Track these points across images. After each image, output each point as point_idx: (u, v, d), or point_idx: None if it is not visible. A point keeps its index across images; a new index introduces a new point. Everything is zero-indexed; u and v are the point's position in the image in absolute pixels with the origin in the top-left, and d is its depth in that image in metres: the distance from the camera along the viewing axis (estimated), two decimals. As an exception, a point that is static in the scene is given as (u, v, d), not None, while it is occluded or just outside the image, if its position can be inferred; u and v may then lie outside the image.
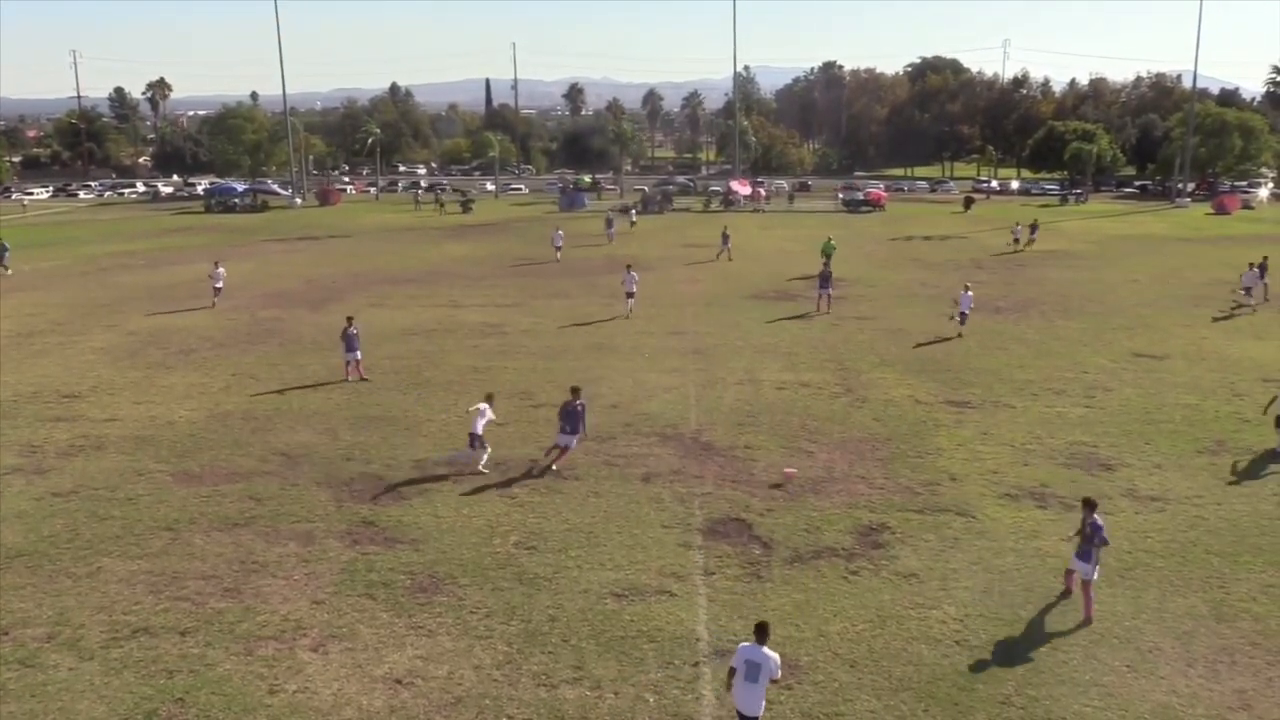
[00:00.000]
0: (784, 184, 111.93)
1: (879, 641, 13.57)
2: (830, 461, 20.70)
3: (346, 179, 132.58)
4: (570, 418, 20.09)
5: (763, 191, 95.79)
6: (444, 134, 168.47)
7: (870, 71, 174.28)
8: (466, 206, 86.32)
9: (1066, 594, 14.76)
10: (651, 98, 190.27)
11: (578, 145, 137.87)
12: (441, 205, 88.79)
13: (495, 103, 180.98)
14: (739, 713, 10.84)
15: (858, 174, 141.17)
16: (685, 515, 17.88)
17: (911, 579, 15.43)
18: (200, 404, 25.17)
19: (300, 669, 12.90)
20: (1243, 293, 39.17)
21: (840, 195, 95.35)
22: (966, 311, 32.63)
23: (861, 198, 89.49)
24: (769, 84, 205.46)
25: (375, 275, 47.71)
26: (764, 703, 10.87)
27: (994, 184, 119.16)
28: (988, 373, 27.92)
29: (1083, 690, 12.47)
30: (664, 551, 16.37)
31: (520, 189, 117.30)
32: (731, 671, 10.86)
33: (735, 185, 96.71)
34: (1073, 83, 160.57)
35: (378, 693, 12.40)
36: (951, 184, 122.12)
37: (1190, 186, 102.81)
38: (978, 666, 12.98)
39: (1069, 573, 14.81)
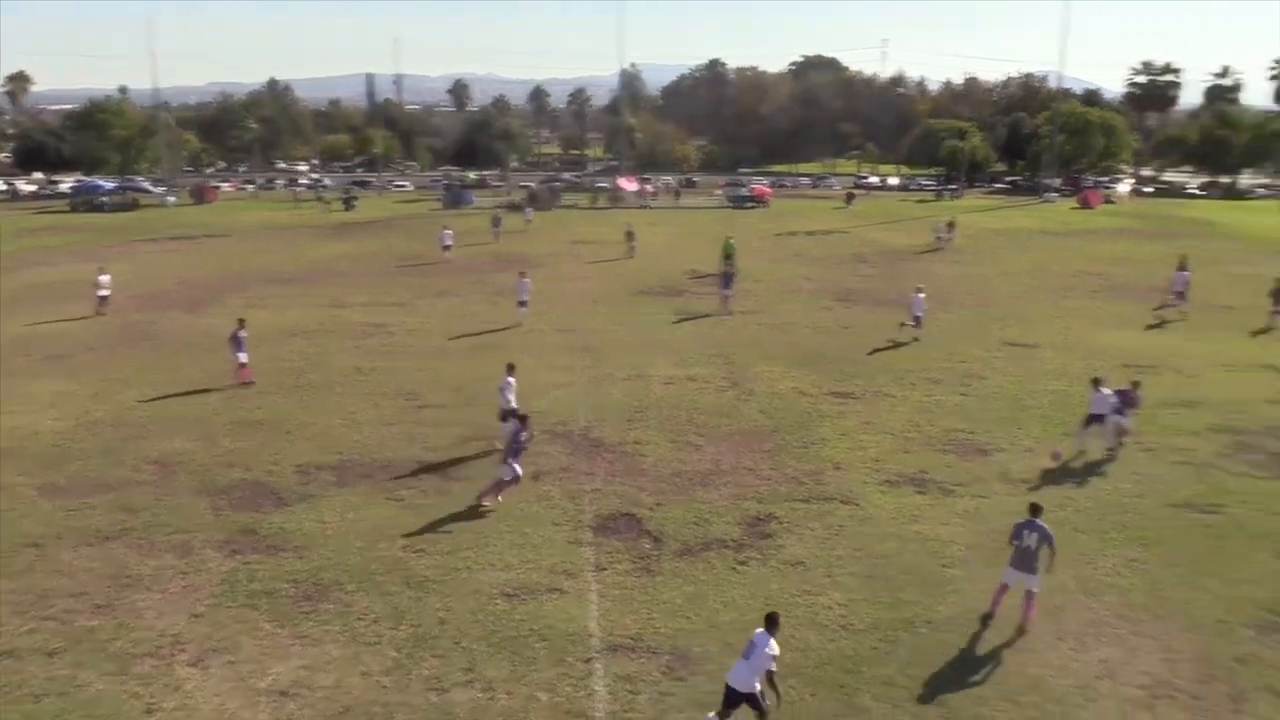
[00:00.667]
0: (670, 180, 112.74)
1: (767, 630, 13.82)
2: (718, 454, 20.97)
3: (224, 177, 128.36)
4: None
5: (649, 188, 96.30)
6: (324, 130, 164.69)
7: (754, 70, 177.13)
8: (349, 204, 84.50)
9: (990, 616, 14.11)
10: (538, 94, 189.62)
11: (463, 142, 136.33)
12: (327, 203, 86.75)
13: (378, 98, 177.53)
14: (727, 685, 11.37)
15: (743, 170, 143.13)
16: (575, 512, 17.89)
17: (798, 567, 15.77)
18: (68, 412, 24.05)
19: (179, 685, 12.47)
20: (1174, 296, 37.24)
21: (719, 192, 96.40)
22: (920, 314, 31.81)
23: (747, 194, 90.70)
24: (655, 81, 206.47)
25: (254, 275, 46.31)
26: (757, 683, 11.23)
27: (874, 180, 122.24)
28: (869, 363, 28.68)
29: (962, 667, 12.95)
30: (554, 549, 16.36)
31: (405, 186, 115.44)
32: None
33: (622, 182, 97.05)
34: (947, 82, 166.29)
35: (262, 706, 12.08)
36: (834, 180, 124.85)
37: (1057, 182, 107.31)
38: (863, 650, 13.35)
39: (999, 591, 14.16)
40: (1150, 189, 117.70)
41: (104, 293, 36.91)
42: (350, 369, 28.07)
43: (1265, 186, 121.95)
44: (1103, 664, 13.06)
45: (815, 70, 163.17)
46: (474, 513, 17.81)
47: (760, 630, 11.44)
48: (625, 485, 19.20)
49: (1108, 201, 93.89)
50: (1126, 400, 21.32)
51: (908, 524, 17.46)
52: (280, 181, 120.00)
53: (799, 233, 65.46)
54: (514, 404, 20.88)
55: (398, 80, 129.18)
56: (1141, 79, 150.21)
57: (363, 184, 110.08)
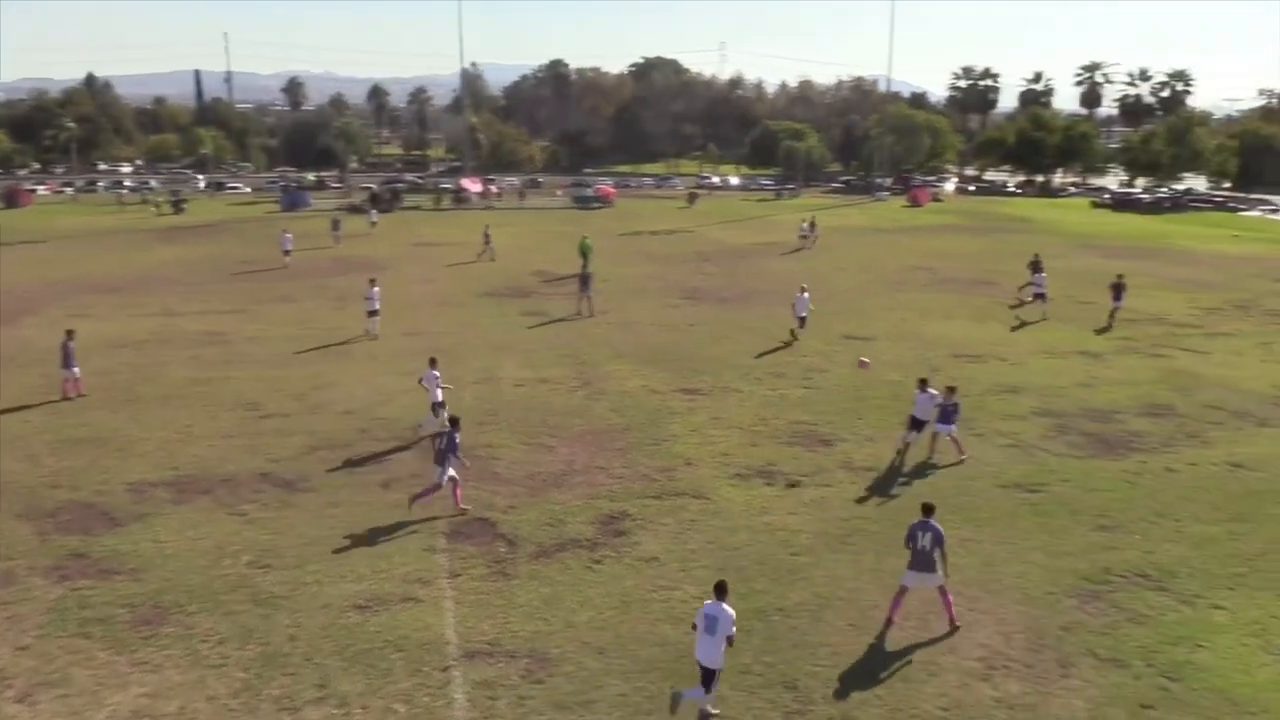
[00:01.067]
0: (515, 181, 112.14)
1: (625, 626, 13.97)
2: (571, 454, 21.03)
3: (39, 179, 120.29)
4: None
5: (494, 189, 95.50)
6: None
7: (596, 70, 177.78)
8: (179, 206, 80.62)
9: (889, 624, 14.14)
10: (376, 93, 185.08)
11: (300, 141, 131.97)
12: (155, 206, 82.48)
13: (207, 96, 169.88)
14: (700, 665, 11.71)
15: (587, 171, 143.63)
16: (428, 519, 17.63)
17: (653, 563, 15.98)
18: None
19: (4, 722, 11.70)
20: (1035, 299, 36.79)
21: (560, 193, 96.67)
22: (804, 314, 32.01)
23: (591, 194, 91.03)
24: (496, 81, 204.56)
25: (76, 283, 43.62)
26: (723, 655, 11.65)
27: (716, 180, 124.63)
28: (716, 360, 29.26)
29: (813, 652, 13.39)
30: (407, 558, 16.08)
31: (239, 187, 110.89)
32: (694, 628, 11.88)
33: (466, 183, 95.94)
34: (783, 85, 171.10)
35: (98, 737, 11.45)
36: (677, 180, 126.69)
37: (888, 182, 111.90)
38: (717, 641, 13.62)
39: (899, 595, 14.21)
40: (973, 188, 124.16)
41: None
42: (186, 380, 26.84)
43: (1075, 185, 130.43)
44: (944, 640, 13.74)
45: (656, 71, 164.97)
46: (322, 525, 17.32)
47: (710, 602, 11.80)
48: (478, 489, 19.02)
49: (935, 200, 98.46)
50: (948, 410, 20.74)
51: (757, 516, 17.92)
52: (102, 184, 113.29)
53: (644, 232, 66.16)
54: (440, 398, 21.93)
55: (228, 78, 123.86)
56: (963, 83, 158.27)
57: (218, 185, 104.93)
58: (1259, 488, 19.42)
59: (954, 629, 13.99)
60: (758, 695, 12.40)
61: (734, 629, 11.67)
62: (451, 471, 17.80)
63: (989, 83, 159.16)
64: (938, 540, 13.92)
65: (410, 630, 13.80)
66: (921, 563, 14.00)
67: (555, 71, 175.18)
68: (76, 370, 25.15)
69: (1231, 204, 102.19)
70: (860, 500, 18.66)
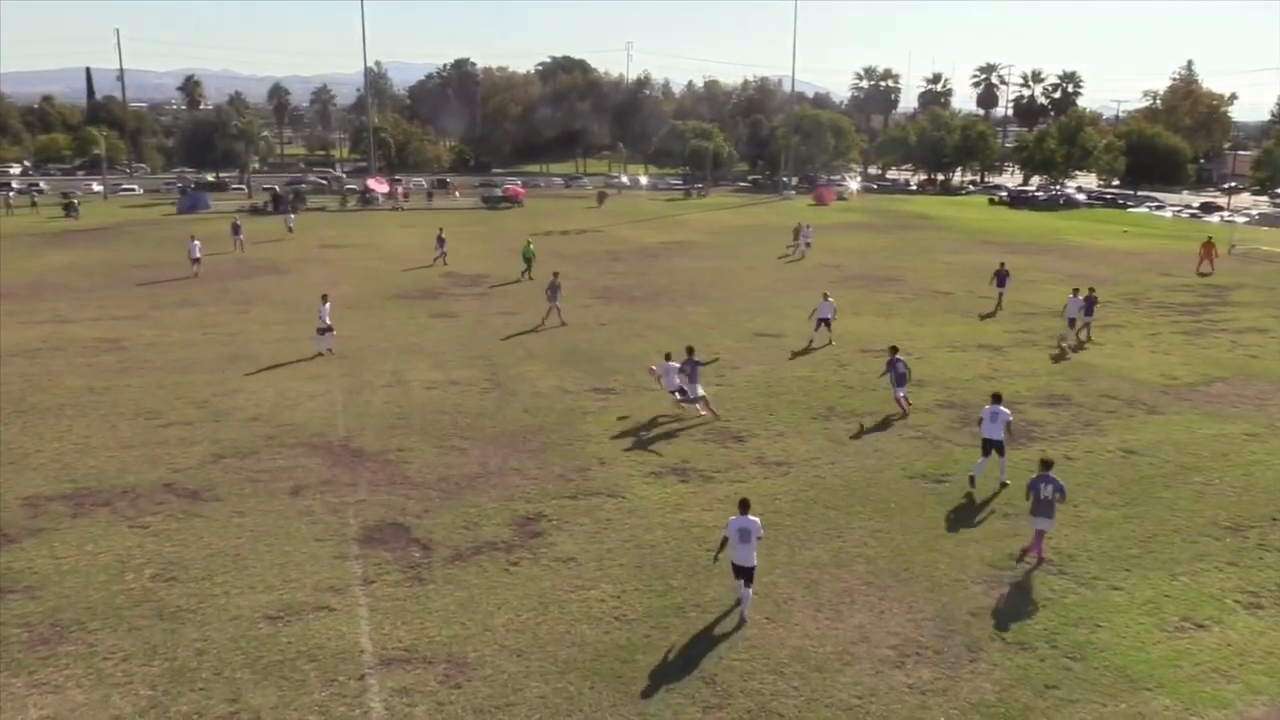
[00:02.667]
0: (422, 181, 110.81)
1: (543, 628, 13.93)
2: (484, 457, 20.88)
3: None
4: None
5: (401, 190, 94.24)
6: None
7: (503, 70, 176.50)
8: (70, 209, 77.66)
9: (1041, 561, 16.09)
10: (278, 92, 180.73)
11: (198, 142, 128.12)
12: (36, 207, 79.34)
13: (99, 95, 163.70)
14: (736, 565, 14.19)
15: (495, 171, 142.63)
16: (339, 526, 17.32)
17: (570, 563, 15.96)
18: None
19: (-109, 751, 11.15)
20: (1075, 329, 32.69)
21: (459, 194, 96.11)
22: (828, 318, 31.61)
23: (500, 194, 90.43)
24: (401, 80, 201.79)
25: (-42, 291, 41.70)
26: (755, 556, 14.20)
27: (625, 180, 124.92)
28: (628, 359, 29.33)
29: (730, 645, 13.54)
30: (319, 566, 15.77)
31: (134, 189, 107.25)
32: (723, 541, 14.41)
33: (373, 183, 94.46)
34: (690, 84, 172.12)
35: (-6, 763, 10.99)
36: (585, 180, 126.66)
37: (794, 181, 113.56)
38: (637, 639, 13.69)
39: (1038, 539, 16.11)
40: (875, 186, 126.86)
41: None
42: (81, 389, 25.87)
43: (974, 183, 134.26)
44: (857, 629, 14.02)
45: (564, 71, 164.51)
46: (230, 535, 16.88)
47: (735, 517, 14.24)
48: (390, 494, 18.77)
49: (840, 198, 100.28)
50: (692, 371, 23.78)
51: (673, 513, 18.04)
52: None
53: (554, 232, 65.99)
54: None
55: (121, 75, 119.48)
56: (865, 84, 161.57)
57: (205, 186, 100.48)
58: (1150, 472, 20.27)
59: (1041, 561, 16.14)
60: (676, 692, 12.48)
61: (762, 531, 14.40)
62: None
63: (890, 83, 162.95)
64: (1059, 489, 15.85)
65: (324, 639, 13.54)
66: (1043, 510, 15.92)
67: (461, 70, 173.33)
68: None
69: (1121, 201, 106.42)
70: (773, 495, 18.91)
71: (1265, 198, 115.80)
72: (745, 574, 14.18)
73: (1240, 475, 20.24)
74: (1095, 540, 17.05)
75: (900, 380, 23.71)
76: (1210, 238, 51.85)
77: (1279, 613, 14.65)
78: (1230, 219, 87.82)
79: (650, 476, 19.84)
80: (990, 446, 19.25)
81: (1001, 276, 38.47)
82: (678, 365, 23.70)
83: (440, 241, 49.79)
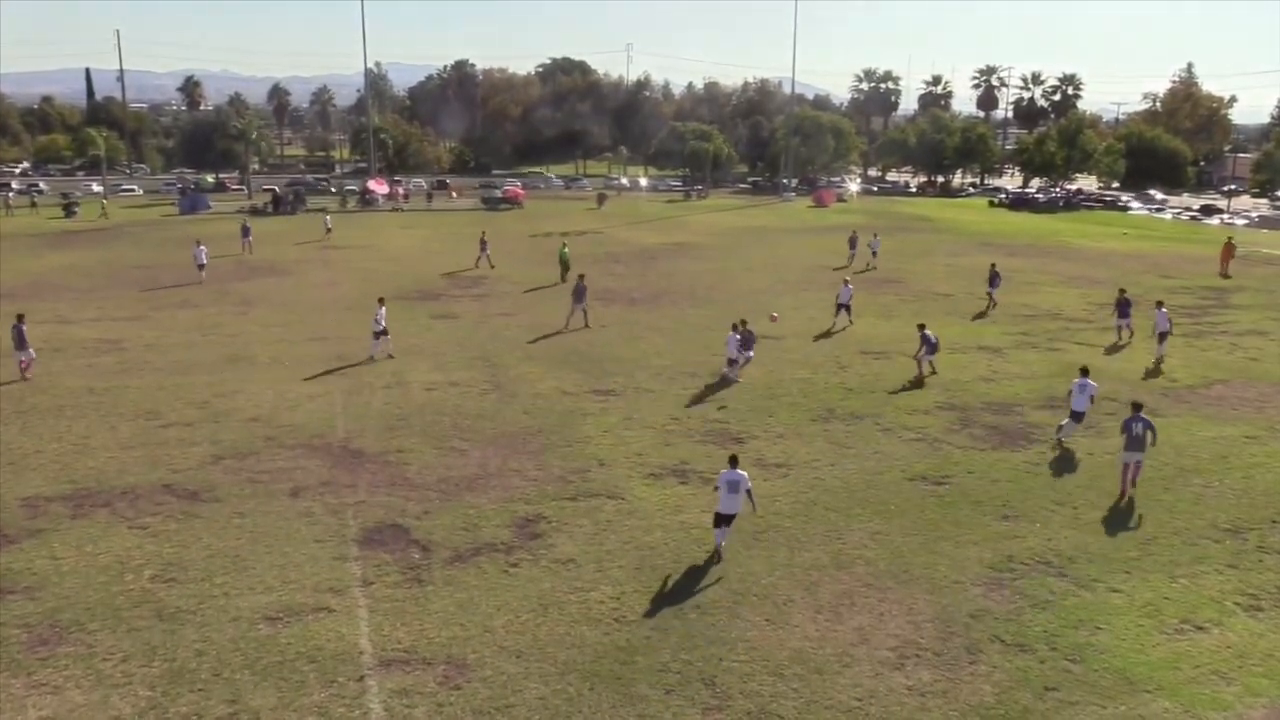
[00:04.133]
0: (422, 182, 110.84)
1: (543, 629, 13.93)
2: (484, 458, 20.88)
3: None
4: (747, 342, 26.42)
5: (402, 191, 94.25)
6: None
7: (503, 71, 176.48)
8: (70, 210, 77.64)
9: (1123, 496, 18.82)
10: (278, 93, 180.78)
11: (198, 142, 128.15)
12: (35, 207, 79.31)
13: (98, 95, 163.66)
14: (720, 514, 15.90)
15: (495, 172, 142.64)
16: (339, 527, 17.32)
17: (570, 564, 15.96)
18: None
19: (-110, 752, 11.14)
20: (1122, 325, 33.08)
21: (455, 195, 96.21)
22: (847, 302, 34.76)
23: (500, 196, 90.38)
24: (401, 81, 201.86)
25: (-42, 291, 41.68)
26: (741, 504, 15.85)
27: (624, 181, 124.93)
28: (628, 361, 29.35)
29: (730, 648, 13.53)
30: (319, 567, 15.77)
31: (134, 190, 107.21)
32: (716, 488, 16.14)
33: (373, 184, 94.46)
34: (689, 86, 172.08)
35: (-7, 763, 10.98)
36: (585, 181, 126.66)
37: (795, 182, 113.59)
38: (636, 640, 13.69)
39: (1125, 469, 18.95)
40: (875, 188, 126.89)
41: None
42: (81, 390, 25.87)
43: (974, 185, 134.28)
44: (857, 631, 14.02)
45: (563, 72, 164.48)
46: (229, 536, 16.88)
47: (726, 470, 15.97)
48: (390, 495, 18.77)
49: (840, 200, 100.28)
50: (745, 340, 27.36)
51: (672, 514, 18.03)
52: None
53: (554, 233, 65.93)
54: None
55: (121, 76, 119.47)
56: (865, 86, 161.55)
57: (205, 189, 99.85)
58: (1149, 475, 20.22)
59: (1124, 497, 18.75)
60: (677, 694, 12.48)
61: (750, 484, 15.96)
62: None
63: (890, 85, 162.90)
64: (1149, 427, 18.76)
65: (323, 641, 13.54)
66: (1134, 444, 18.71)
67: (461, 72, 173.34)
68: (32, 352, 27.22)
69: (1120, 203, 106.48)
70: (773, 497, 18.90)
71: (1265, 200, 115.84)
72: (726, 520, 15.89)
73: (1240, 478, 20.24)
74: (1095, 542, 17.05)
75: (932, 349, 27.14)
76: (1231, 239, 52.03)
77: (1278, 615, 14.65)
78: (1230, 221, 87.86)
79: (650, 478, 19.83)
80: (1078, 418, 22.00)
81: (993, 277, 39.22)
82: (739, 336, 26.72)
83: (483, 244, 49.20)
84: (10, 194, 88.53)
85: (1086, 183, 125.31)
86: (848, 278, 38.64)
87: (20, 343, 27.02)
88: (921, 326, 27.98)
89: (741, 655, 13.37)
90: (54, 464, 20.32)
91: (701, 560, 16.11)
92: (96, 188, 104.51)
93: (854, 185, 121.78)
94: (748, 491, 15.89)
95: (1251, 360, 30.84)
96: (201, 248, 45.14)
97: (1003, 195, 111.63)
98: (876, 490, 19.30)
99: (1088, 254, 58.77)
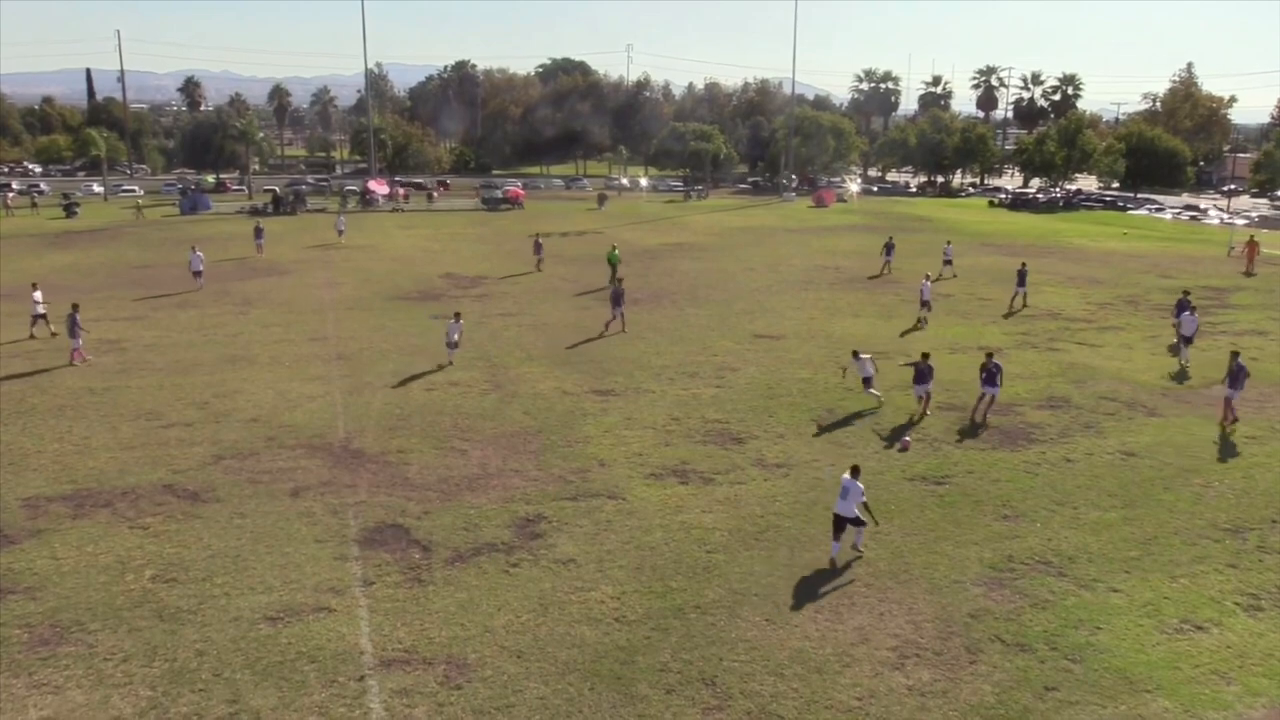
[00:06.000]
0: (423, 183, 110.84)
1: (543, 629, 13.94)
2: (484, 458, 20.89)
3: None
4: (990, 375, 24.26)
5: (402, 191, 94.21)
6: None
7: (503, 71, 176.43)
8: (70, 210, 77.59)
9: (1225, 419, 23.16)
10: (278, 93, 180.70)
11: (198, 143, 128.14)
12: (36, 208, 79.26)
13: (99, 96, 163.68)
14: (837, 515, 16.02)
15: (495, 172, 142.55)
16: (339, 527, 17.33)
17: (570, 564, 15.97)
18: None
19: (-109, 751, 11.15)
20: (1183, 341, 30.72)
21: (438, 196, 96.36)
22: (928, 300, 36.01)
23: (500, 196, 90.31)
24: (402, 81, 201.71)
25: (-41, 292, 41.66)
26: (855, 510, 15.97)
27: (625, 181, 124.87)
28: (628, 361, 29.35)
29: (730, 647, 13.54)
30: (319, 567, 15.79)
31: (134, 190, 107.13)
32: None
33: (373, 185, 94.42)
34: (690, 86, 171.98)
35: (-6, 763, 10.99)
36: (586, 182, 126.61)
37: (795, 182, 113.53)
38: (636, 640, 13.70)
39: (1227, 402, 23.32)
40: (875, 188, 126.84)
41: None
42: (81, 390, 25.88)
43: (973, 185, 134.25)
44: (857, 631, 14.04)
45: (564, 73, 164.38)
46: (230, 536, 16.89)
47: (846, 477, 16.15)
48: (390, 496, 18.78)
49: (840, 200, 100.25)
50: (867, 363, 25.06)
51: (672, 514, 18.04)
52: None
53: (554, 233, 65.85)
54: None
55: (121, 77, 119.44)
56: (865, 86, 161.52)
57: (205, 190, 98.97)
58: (1150, 475, 20.27)
59: (1234, 421, 23.11)
60: (677, 693, 12.49)
61: (864, 497, 16.12)
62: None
63: (890, 86, 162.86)
64: (1243, 368, 22.93)
65: (324, 641, 13.55)
66: (1234, 382, 23.18)
67: (461, 72, 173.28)
68: (80, 340, 28.69)
69: (1120, 203, 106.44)
70: (773, 497, 18.91)
71: (1265, 200, 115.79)
72: (841, 526, 16.05)
73: (1240, 478, 20.26)
74: (1095, 542, 17.06)
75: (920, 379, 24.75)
76: (1253, 236, 52.11)
77: (1278, 615, 14.66)
78: (1230, 221, 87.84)
79: (650, 478, 19.84)
80: (1185, 341, 28.27)
81: (1022, 276, 39.48)
82: (869, 357, 25.36)
83: (537, 247, 48.98)
84: (11, 194, 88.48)
85: (1086, 183, 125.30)
86: (929, 273, 39.63)
87: (74, 331, 28.59)
88: (990, 356, 24.85)
89: (742, 655, 13.38)
90: (55, 464, 20.34)
91: (703, 559, 16.12)
92: (97, 188, 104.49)
93: (854, 185, 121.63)
94: (861, 503, 16.06)
95: (1251, 360, 30.74)
96: (198, 254, 43.55)
97: (1002, 195, 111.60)
98: (877, 490, 19.25)
99: (1088, 254, 58.74)
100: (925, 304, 36.06)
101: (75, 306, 29.44)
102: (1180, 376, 28.63)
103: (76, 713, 11.92)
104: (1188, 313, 30.54)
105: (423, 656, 13.20)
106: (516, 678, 12.74)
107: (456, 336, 29.12)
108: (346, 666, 12.94)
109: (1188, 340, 29.96)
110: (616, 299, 33.90)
